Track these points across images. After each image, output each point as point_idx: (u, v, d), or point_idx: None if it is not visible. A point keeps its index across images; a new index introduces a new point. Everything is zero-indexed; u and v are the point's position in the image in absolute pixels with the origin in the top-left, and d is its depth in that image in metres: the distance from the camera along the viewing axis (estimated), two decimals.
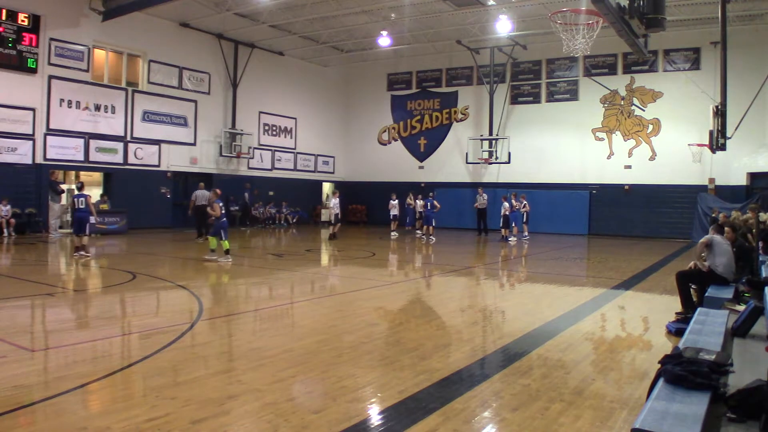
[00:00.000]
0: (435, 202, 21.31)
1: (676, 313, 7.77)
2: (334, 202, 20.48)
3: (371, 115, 30.37)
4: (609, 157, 24.60)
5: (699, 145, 20.79)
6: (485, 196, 23.12)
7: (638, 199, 23.64)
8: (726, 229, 8.51)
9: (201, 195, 18.16)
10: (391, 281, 11.30)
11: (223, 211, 13.01)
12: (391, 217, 22.79)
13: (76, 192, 13.73)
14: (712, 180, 22.40)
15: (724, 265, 7.66)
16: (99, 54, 20.81)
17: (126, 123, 21.27)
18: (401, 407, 4.25)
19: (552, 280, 11.85)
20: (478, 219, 23.27)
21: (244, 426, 3.87)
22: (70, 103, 19.59)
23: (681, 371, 3.54)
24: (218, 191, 13.89)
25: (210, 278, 11.07)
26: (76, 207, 13.29)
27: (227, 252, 12.77)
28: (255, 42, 25.35)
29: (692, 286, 8.00)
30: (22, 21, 18.14)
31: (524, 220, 21.62)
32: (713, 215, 18.80)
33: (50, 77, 18.98)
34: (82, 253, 12.85)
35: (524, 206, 21.60)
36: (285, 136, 27.89)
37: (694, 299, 7.89)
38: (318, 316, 7.88)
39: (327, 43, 26.44)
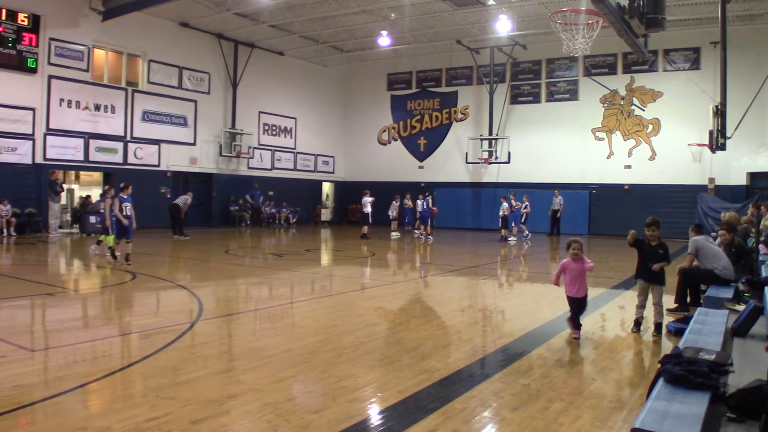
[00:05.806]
0: (430, 203, 21.35)
1: (667, 309, 7.81)
2: (365, 201, 20.83)
3: (371, 115, 30.35)
4: (609, 157, 24.59)
5: (699, 144, 20.78)
6: (560, 198, 23.57)
7: (638, 199, 23.60)
8: (721, 231, 8.52)
9: (180, 197, 19.83)
10: (391, 281, 11.30)
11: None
12: (392, 217, 22.81)
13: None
14: (712, 180, 22.38)
15: (723, 267, 7.65)
16: (99, 54, 20.81)
17: (126, 123, 21.27)
18: (401, 407, 4.25)
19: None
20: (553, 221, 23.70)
21: (244, 426, 3.87)
22: (69, 103, 19.59)
23: (681, 371, 3.54)
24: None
25: (210, 278, 11.06)
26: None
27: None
28: (255, 42, 25.34)
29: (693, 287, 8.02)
30: (22, 21, 18.14)
31: (522, 220, 21.64)
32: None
33: (50, 77, 18.98)
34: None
35: (525, 207, 21.60)
36: (285, 136, 27.88)
37: (687, 300, 7.92)
38: (318, 316, 7.88)
39: (327, 43, 26.44)
